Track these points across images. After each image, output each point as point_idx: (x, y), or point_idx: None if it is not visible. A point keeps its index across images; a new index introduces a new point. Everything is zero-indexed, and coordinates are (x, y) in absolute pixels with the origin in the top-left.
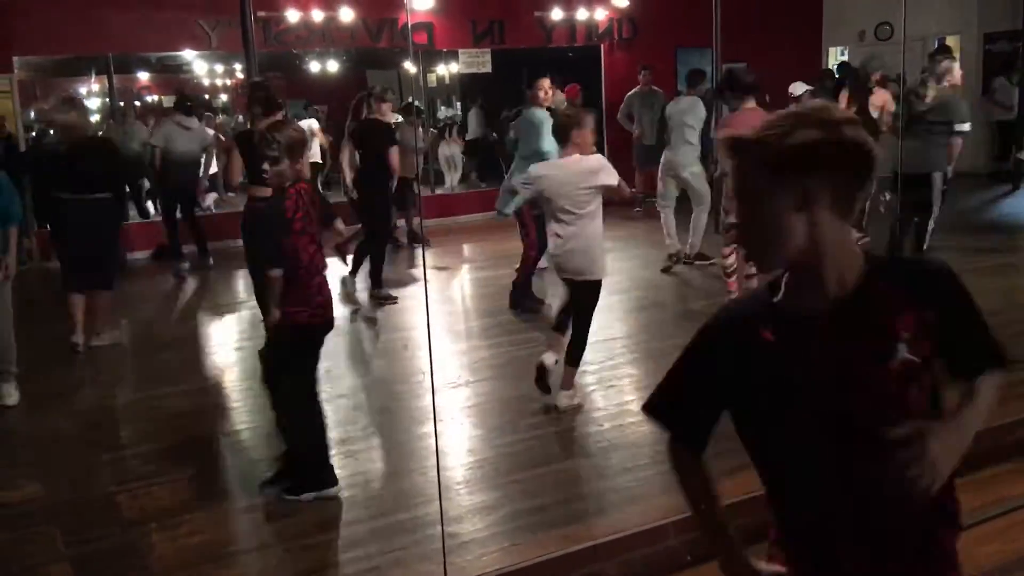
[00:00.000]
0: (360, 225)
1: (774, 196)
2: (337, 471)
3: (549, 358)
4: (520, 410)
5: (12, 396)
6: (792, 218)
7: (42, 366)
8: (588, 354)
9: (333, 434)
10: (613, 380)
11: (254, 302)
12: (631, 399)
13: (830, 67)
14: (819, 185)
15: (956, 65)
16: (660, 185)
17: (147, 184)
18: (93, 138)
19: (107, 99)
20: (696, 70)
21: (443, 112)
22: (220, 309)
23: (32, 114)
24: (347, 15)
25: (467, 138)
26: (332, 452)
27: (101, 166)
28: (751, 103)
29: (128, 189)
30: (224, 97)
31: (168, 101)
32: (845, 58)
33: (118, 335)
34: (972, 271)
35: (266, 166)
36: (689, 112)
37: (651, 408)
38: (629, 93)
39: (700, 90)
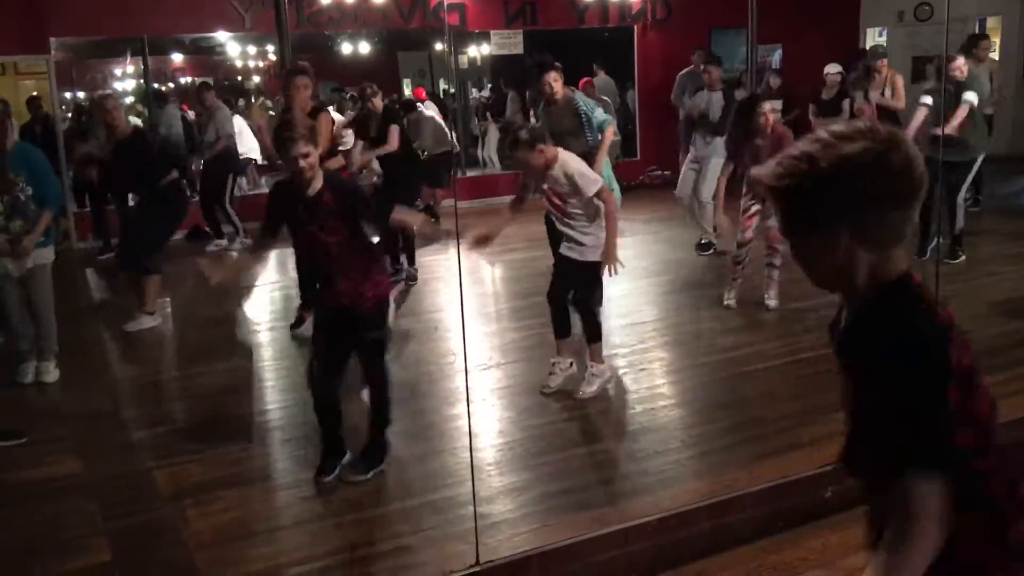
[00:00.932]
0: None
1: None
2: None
3: (564, 363)
4: (553, 393)
5: (52, 373)
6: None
7: (80, 345)
8: (618, 337)
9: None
10: (644, 364)
11: (286, 281)
12: (662, 383)
13: (865, 47)
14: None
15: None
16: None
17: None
18: (126, 140)
19: (142, 80)
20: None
21: (475, 94)
22: (253, 289)
23: (67, 95)
24: None
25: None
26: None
27: (134, 169)
28: None
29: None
30: (257, 79)
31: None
32: (883, 40)
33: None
34: (1012, 256)
35: None
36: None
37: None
38: (681, 73)
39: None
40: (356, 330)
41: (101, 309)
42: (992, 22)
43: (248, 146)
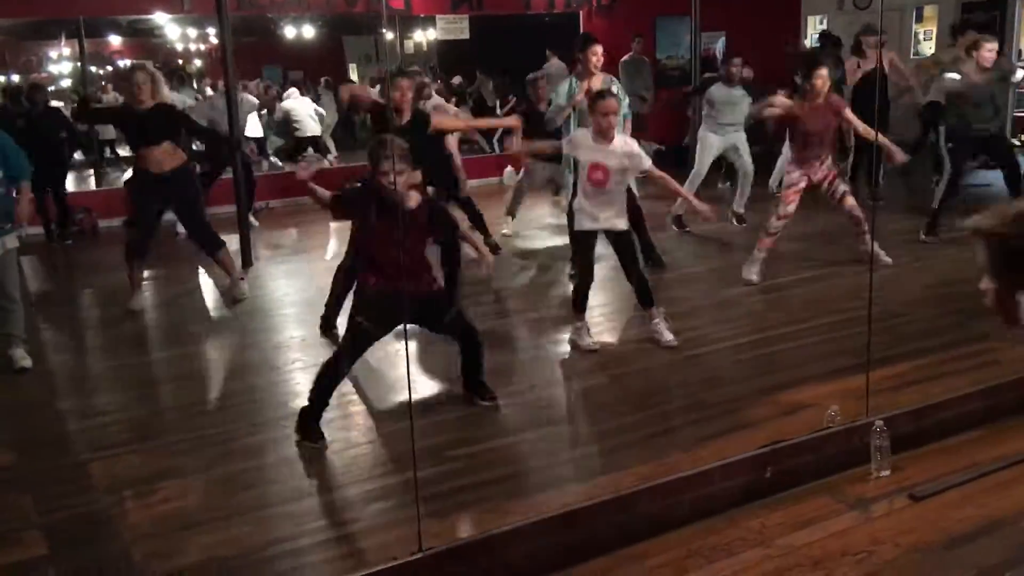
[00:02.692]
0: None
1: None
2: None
3: (586, 340)
4: (497, 379)
5: (26, 359)
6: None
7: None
8: (567, 323)
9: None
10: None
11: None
12: (606, 367)
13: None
14: None
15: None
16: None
17: None
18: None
19: (79, 63)
20: None
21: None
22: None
23: (1, 78)
24: None
25: (483, 107)
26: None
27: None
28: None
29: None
30: (198, 63)
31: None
32: (824, 27)
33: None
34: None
35: None
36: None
37: None
38: (622, 60)
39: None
40: (427, 312)
41: (35, 298)
42: (929, 11)
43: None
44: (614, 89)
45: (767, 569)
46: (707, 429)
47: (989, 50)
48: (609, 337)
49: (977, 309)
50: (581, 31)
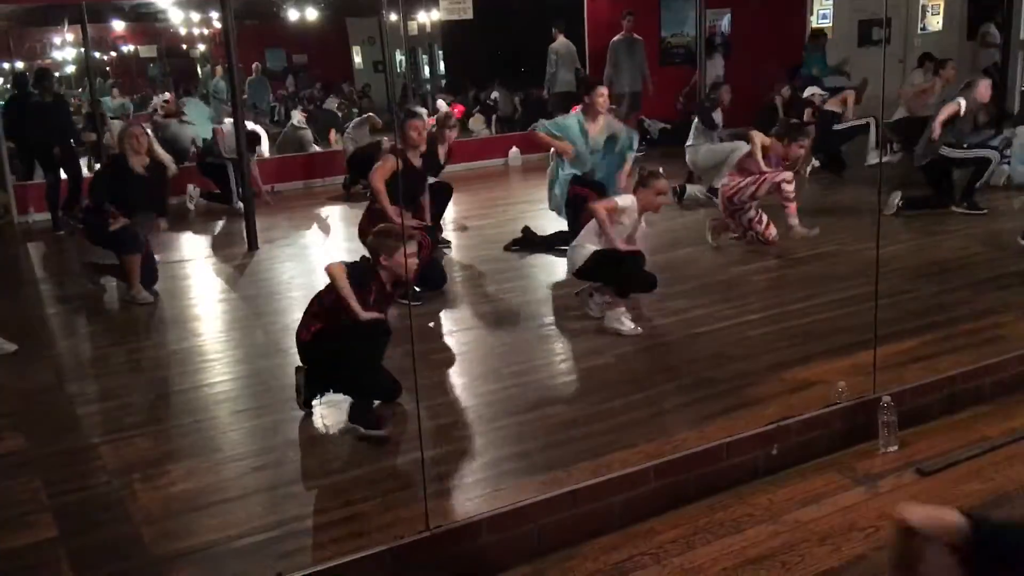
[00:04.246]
0: None
1: None
2: (319, 422)
3: (628, 325)
4: (504, 359)
5: (9, 346)
6: None
7: (24, 320)
8: (572, 300)
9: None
10: (596, 327)
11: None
12: (613, 345)
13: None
14: None
15: None
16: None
17: None
18: None
19: (82, 49)
20: None
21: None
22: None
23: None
24: None
25: (498, 116)
26: (314, 402)
27: None
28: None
29: None
30: (202, 47)
31: (144, 52)
32: (830, 4)
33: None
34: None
35: None
36: None
37: None
38: (612, 40)
39: None
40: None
41: (43, 284)
42: None
43: None
44: (621, 133)
45: (775, 545)
46: (714, 406)
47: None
48: None
49: (983, 284)
50: (585, 9)
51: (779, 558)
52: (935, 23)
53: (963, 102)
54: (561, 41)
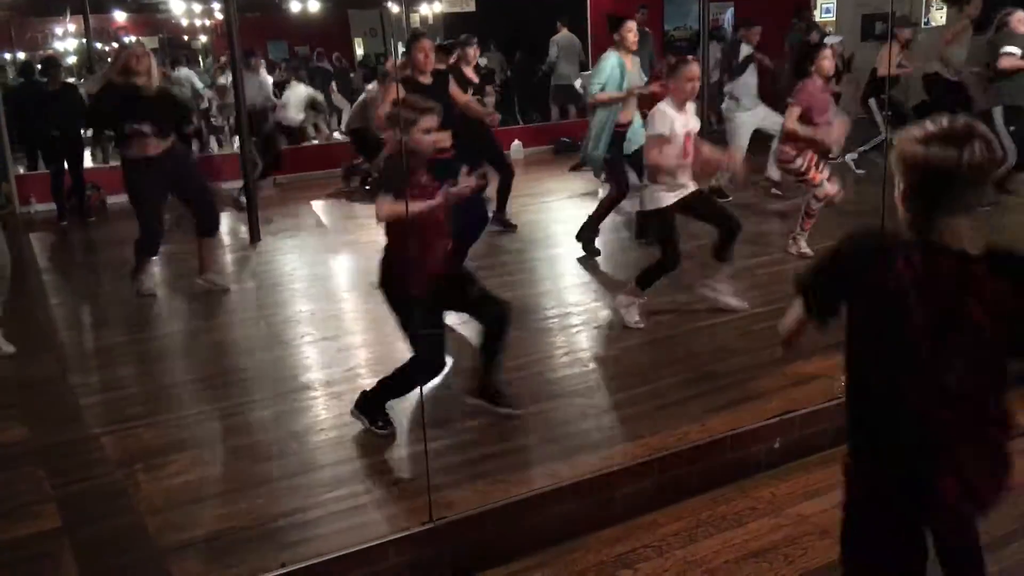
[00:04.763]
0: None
1: None
2: (322, 412)
3: (635, 317)
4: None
5: (9, 347)
6: None
7: (26, 311)
8: (573, 296)
9: (319, 376)
10: (598, 321)
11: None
12: (616, 339)
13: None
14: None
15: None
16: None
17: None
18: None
19: (83, 40)
20: None
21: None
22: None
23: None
24: None
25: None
26: (317, 394)
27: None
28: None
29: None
30: (204, 38)
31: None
32: None
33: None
34: None
35: None
36: None
37: None
38: None
39: None
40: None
41: (46, 274)
42: None
43: None
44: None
45: (777, 538)
46: (718, 400)
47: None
48: None
49: None
50: (588, 5)
51: (781, 551)
52: (938, 17)
53: (1017, 50)
54: (564, 34)
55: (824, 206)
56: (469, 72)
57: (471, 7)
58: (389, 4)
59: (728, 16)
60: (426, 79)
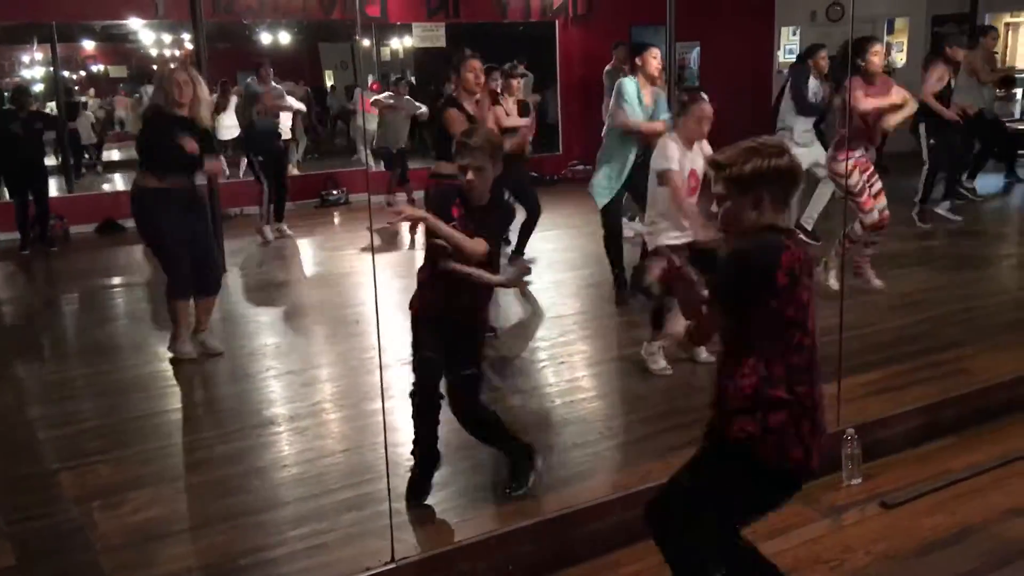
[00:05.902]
0: None
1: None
2: (285, 448)
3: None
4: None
5: None
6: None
7: None
8: (540, 331)
9: (283, 410)
10: (564, 357)
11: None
12: (582, 375)
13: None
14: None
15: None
16: None
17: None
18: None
19: (51, 68)
20: None
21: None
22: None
23: None
24: None
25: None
26: (281, 429)
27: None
28: None
29: None
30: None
31: (115, 71)
32: (797, 38)
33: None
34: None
35: None
36: None
37: None
38: (606, 69)
39: None
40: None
41: (5, 305)
42: (900, 23)
43: None
44: (661, 98)
45: None
46: (681, 437)
47: None
48: (583, 346)
49: (946, 318)
50: (557, 40)
51: None
52: (900, 59)
53: None
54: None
55: (870, 235)
56: (508, 105)
57: (442, 43)
58: (359, 38)
59: (694, 55)
60: (472, 107)
